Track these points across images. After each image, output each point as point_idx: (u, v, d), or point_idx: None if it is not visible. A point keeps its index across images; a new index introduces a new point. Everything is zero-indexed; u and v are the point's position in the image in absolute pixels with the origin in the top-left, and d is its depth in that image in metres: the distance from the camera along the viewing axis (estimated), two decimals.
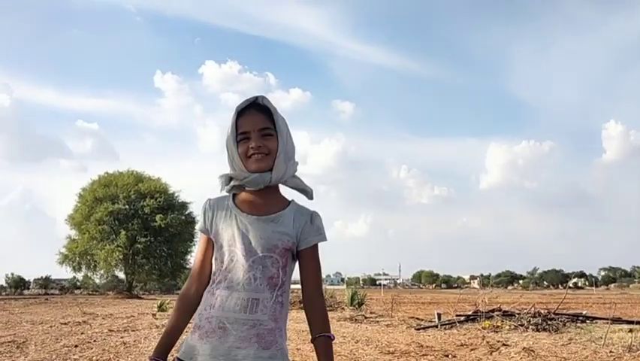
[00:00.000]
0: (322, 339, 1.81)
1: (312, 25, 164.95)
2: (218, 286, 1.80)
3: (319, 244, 1.92)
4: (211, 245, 1.88)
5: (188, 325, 1.86)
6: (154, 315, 17.94)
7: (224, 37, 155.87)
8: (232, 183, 1.88)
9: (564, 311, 14.72)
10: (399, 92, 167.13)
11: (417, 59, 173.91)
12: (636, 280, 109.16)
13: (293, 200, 1.92)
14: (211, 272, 1.86)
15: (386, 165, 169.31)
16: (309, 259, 1.90)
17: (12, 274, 72.60)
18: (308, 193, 1.92)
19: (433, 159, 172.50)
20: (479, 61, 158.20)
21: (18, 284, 73.20)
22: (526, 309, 14.20)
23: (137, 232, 44.17)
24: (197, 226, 1.98)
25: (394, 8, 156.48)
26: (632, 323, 13.15)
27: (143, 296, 46.33)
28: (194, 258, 1.93)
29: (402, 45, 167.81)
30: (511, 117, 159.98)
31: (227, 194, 1.92)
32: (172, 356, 1.81)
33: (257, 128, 1.84)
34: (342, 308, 19.95)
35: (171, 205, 46.11)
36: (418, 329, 12.75)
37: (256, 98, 1.89)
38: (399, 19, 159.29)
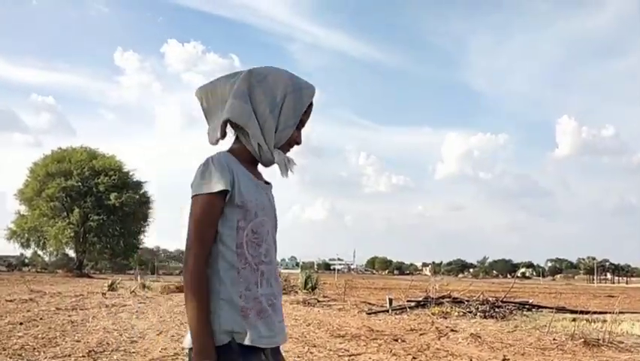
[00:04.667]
0: None
1: (274, 6, 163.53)
2: (258, 261, 1.64)
3: None
4: (221, 209, 1.62)
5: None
6: (104, 294, 17.67)
7: (188, 16, 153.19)
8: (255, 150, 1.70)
9: (511, 300, 15.11)
10: (359, 78, 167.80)
11: (377, 46, 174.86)
12: (581, 271, 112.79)
13: None
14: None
15: (346, 152, 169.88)
16: None
17: None
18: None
19: (391, 147, 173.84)
20: (439, 51, 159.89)
21: None
22: (475, 297, 14.52)
23: (90, 209, 43.38)
24: (218, 185, 1.58)
25: None
26: (575, 312, 13.60)
27: (93, 275, 45.57)
28: (205, 222, 1.59)
29: (362, 31, 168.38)
30: (468, 108, 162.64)
31: (228, 153, 1.69)
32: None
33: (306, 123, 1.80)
34: (296, 292, 20.01)
35: (126, 184, 45.44)
36: (370, 314, 12.90)
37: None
38: (359, 5, 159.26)
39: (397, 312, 13.28)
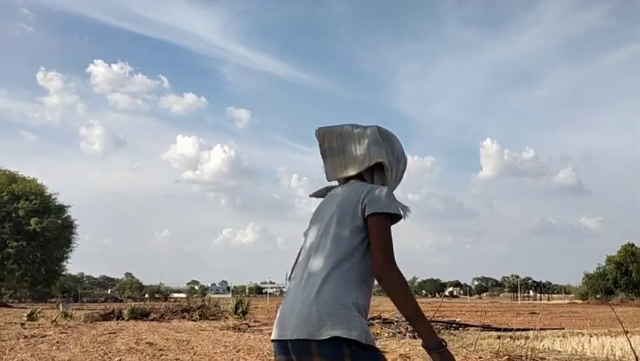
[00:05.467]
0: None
1: (204, 29, 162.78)
2: None
3: None
4: None
5: None
6: (23, 324, 16.84)
7: (115, 36, 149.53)
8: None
9: (439, 319, 15.42)
10: (291, 102, 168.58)
11: (308, 71, 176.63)
12: (506, 289, 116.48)
13: None
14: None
15: (278, 174, 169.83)
16: None
17: None
18: None
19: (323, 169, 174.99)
20: (368, 77, 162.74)
21: None
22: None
23: (8, 235, 41.37)
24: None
25: (285, 19, 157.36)
26: (500, 330, 14.02)
27: (12, 305, 43.34)
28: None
29: (294, 56, 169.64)
30: (396, 132, 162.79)
31: None
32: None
33: None
34: (226, 317, 19.72)
35: (48, 208, 43.66)
36: None
37: None
38: (291, 30, 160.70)
39: None
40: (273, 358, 8.65)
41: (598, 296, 68.12)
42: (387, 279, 1.79)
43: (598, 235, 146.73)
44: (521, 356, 8.69)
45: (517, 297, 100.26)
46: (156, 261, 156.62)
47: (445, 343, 1.75)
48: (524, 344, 9.94)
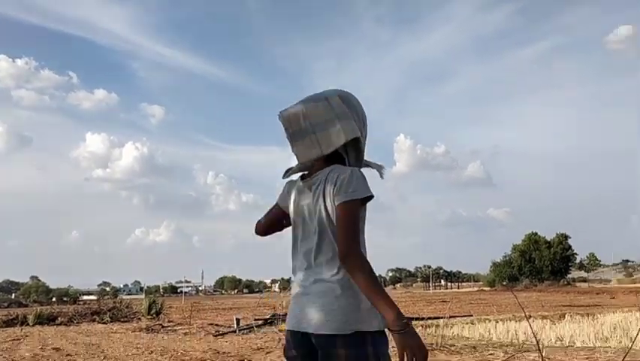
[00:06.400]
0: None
1: (115, 24, 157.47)
2: None
3: None
4: None
5: None
6: None
7: (20, 30, 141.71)
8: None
9: None
10: (205, 98, 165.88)
11: (223, 67, 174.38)
12: (419, 279, 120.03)
13: None
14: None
15: (194, 171, 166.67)
16: None
17: None
18: None
19: (239, 166, 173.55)
20: (285, 73, 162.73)
21: None
22: None
23: None
24: (370, 190, 1.90)
25: (199, 14, 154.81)
26: (412, 319, 14.41)
27: None
28: (359, 220, 1.91)
29: (209, 51, 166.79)
30: None
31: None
32: None
33: None
34: (139, 318, 19.20)
35: None
36: (216, 336, 12.69)
37: None
38: (205, 25, 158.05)
39: (245, 332, 13.20)
40: (186, 358, 8.51)
41: (504, 283, 71.43)
42: (351, 257, 1.79)
43: (505, 226, 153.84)
44: (432, 344, 8.96)
45: (429, 286, 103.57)
46: (65, 263, 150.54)
47: (410, 323, 1.71)
48: (435, 332, 10.28)
